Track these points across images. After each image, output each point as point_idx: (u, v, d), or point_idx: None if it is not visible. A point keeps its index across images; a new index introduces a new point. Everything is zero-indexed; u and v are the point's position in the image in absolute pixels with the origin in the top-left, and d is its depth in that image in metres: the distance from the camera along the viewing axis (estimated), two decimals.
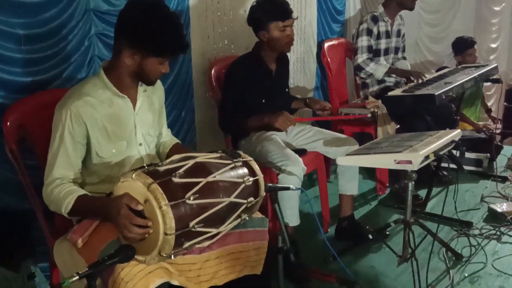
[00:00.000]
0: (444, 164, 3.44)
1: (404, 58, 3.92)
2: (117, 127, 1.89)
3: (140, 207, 1.53)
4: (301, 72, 4.01)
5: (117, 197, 1.58)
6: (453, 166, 3.50)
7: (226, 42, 3.22)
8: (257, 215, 1.94)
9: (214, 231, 1.65)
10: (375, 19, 3.62)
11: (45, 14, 2.18)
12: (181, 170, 1.60)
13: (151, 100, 2.04)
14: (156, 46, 1.79)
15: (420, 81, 3.40)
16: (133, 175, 1.54)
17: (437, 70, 4.58)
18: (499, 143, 4.49)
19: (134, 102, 1.95)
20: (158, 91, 2.11)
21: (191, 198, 1.56)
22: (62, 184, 1.76)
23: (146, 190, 1.50)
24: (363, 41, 3.59)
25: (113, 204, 1.57)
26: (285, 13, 2.71)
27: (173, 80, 2.88)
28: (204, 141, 3.17)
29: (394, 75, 3.69)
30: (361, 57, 3.59)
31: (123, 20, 1.82)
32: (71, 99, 1.80)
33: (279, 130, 2.71)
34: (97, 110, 1.83)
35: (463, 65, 4.15)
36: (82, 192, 1.75)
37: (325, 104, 2.89)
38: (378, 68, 3.58)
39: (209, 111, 3.14)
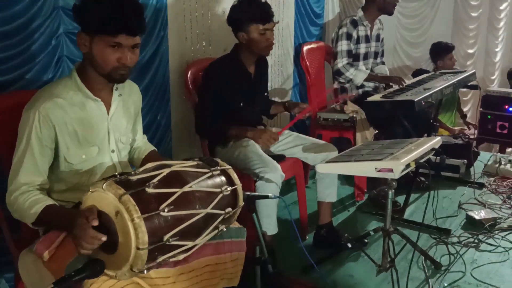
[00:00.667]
0: (422, 170, 3.42)
1: (383, 63, 3.90)
2: (88, 131, 1.79)
3: (95, 223, 1.42)
4: (279, 75, 3.96)
5: (82, 209, 1.48)
6: (431, 172, 3.57)
7: (204, 44, 3.14)
8: (235, 225, 1.87)
9: (190, 244, 1.56)
10: (354, 23, 3.58)
11: (9, 10, 2.06)
12: (155, 180, 1.51)
13: (126, 105, 1.94)
14: (94, 20, 1.65)
15: (399, 86, 3.37)
16: (104, 185, 1.44)
17: (413, 74, 4.59)
18: (475, 149, 4.50)
19: (108, 107, 1.85)
20: (135, 95, 2.01)
21: (166, 210, 1.47)
22: (28, 191, 1.66)
23: (118, 201, 1.41)
24: (343, 46, 3.55)
25: (75, 214, 1.47)
26: (266, 16, 2.64)
27: (149, 82, 2.79)
28: (180, 145, 3.08)
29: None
30: (341, 62, 3.55)
31: (75, 8, 1.72)
32: (40, 100, 1.70)
33: (263, 147, 2.66)
34: (67, 112, 1.72)
35: (441, 71, 4.16)
36: (49, 202, 1.64)
37: (303, 105, 2.83)
38: (358, 74, 3.54)
39: (186, 114, 3.05)
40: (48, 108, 1.69)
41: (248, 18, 2.62)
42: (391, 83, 3.52)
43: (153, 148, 2.14)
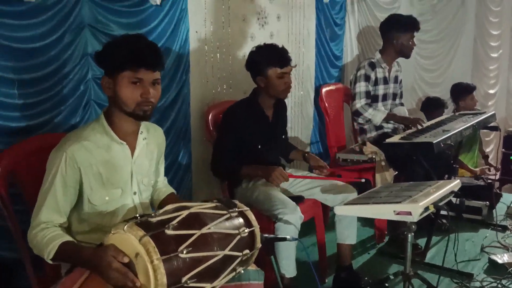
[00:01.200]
0: (443, 212, 3.38)
1: (402, 104, 3.93)
2: (112, 174, 1.84)
3: (126, 260, 1.46)
4: (299, 116, 4.01)
5: (103, 249, 1.51)
6: (452, 214, 3.52)
7: (224, 87, 3.23)
8: (253, 267, 1.87)
9: (208, 286, 1.57)
10: (372, 65, 3.63)
11: (41, 58, 2.17)
12: (174, 222, 1.54)
13: (150, 148, 2.00)
14: (115, 60, 1.75)
15: (418, 127, 3.38)
16: (125, 227, 1.48)
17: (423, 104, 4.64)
18: (498, 191, 4.45)
19: (132, 150, 1.90)
20: (159, 138, 2.07)
21: (184, 252, 1.49)
22: (47, 228, 1.70)
23: (138, 243, 1.44)
24: (361, 87, 3.60)
25: (101, 256, 1.50)
26: (284, 60, 2.71)
27: (171, 123, 2.87)
28: (200, 185, 3.12)
29: (392, 121, 3.69)
30: (360, 103, 3.59)
31: (97, 54, 1.85)
32: (68, 143, 1.77)
33: (274, 185, 2.68)
34: (93, 154, 1.79)
35: (461, 112, 4.16)
36: (66, 238, 1.68)
37: (323, 164, 2.85)
38: (377, 114, 3.57)
39: (206, 155, 3.09)
40: (75, 150, 1.75)
41: (266, 63, 2.70)
42: (409, 125, 3.53)
43: (173, 190, 2.19)
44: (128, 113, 1.82)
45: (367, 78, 3.60)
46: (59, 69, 2.26)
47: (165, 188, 2.16)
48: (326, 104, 3.91)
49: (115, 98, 1.81)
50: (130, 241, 1.46)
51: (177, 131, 2.93)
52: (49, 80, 2.21)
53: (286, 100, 3.05)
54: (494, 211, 3.75)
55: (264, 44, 2.80)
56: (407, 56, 3.70)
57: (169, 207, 1.64)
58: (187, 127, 3.01)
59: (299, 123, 4.02)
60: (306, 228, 3.60)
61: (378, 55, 3.70)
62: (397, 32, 3.62)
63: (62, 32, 2.25)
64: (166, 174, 2.82)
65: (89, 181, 1.79)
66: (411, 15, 3.73)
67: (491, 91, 7.08)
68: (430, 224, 3.31)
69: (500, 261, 3.06)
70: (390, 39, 3.66)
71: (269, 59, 2.70)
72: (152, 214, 1.56)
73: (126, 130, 1.88)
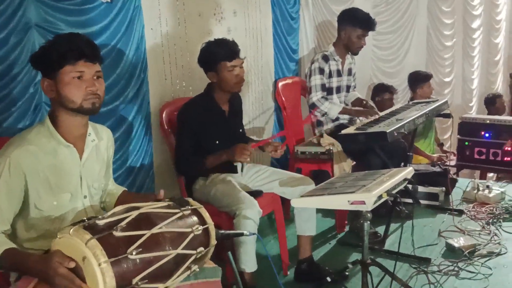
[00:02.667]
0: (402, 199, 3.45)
1: (355, 87, 3.98)
2: (60, 178, 1.79)
3: (72, 265, 1.43)
4: (260, 111, 4.01)
5: (49, 255, 1.48)
6: (409, 200, 3.60)
7: (184, 84, 3.20)
8: (210, 264, 1.86)
9: (160, 286, 1.55)
10: (326, 58, 3.67)
11: None
12: (123, 223, 1.52)
13: (99, 151, 1.96)
14: (53, 57, 1.73)
15: (373, 118, 3.43)
16: (71, 230, 1.44)
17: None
18: (454, 176, 4.57)
19: (81, 153, 1.86)
20: (108, 142, 2.03)
21: (134, 253, 1.47)
22: None
23: (84, 246, 1.41)
24: (316, 80, 3.63)
25: (47, 263, 1.46)
26: (232, 53, 2.72)
27: (131, 123, 2.83)
28: (163, 186, 3.06)
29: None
30: (316, 96, 3.62)
31: (33, 57, 1.82)
32: (12, 147, 1.71)
33: (241, 162, 2.69)
34: (39, 160, 1.73)
35: (415, 101, 4.25)
36: (9, 245, 1.62)
37: (276, 144, 2.86)
38: (333, 107, 3.61)
39: (168, 155, 3.07)
40: (19, 155, 1.69)
41: (215, 58, 2.71)
42: (364, 116, 3.57)
43: (123, 188, 2.15)
44: (76, 109, 1.77)
45: (321, 71, 3.63)
46: (6, 71, 2.20)
47: (115, 188, 2.13)
48: (283, 98, 3.92)
49: (59, 98, 1.76)
50: (76, 245, 1.43)
51: (137, 131, 2.89)
52: None
53: (247, 95, 3.05)
54: (450, 196, 3.85)
55: (215, 39, 2.79)
56: (353, 52, 3.73)
57: (118, 208, 1.61)
58: (148, 127, 2.97)
59: (260, 117, 4.02)
60: (269, 222, 3.65)
61: (331, 48, 3.73)
62: (347, 25, 3.66)
63: (7, 33, 2.19)
64: (126, 177, 2.80)
65: (36, 187, 1.73)
66: (368, 14, 3.74)
67: (447, 79, 7.26)
68: (389, 212, 3.37)
69: (456, 245, 3.14)
70: (341, 31, 3.70)
71: (218, 53, 2.71)
72: (100, 217, 1.53)
73: (73, 133, 1.83)
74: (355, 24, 3.63)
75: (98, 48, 1.82)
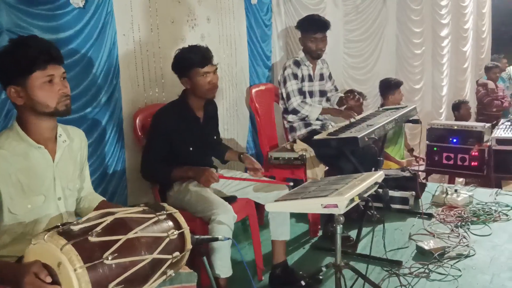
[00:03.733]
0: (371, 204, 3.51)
1: (336, 89, 4.05)
2: (33, 180, 1.78)
3: (48, 279, 1.43)
4: (235, 118, 4.03)
5: (27, 264, 1.46)
6: (379, 205, 3.67)
7: (157, 90, 3.20)
8: (185, 269, 1.87)
9: None
10: (297, 64, 3.75)
11: None
12: (98, 228, 1.52)
13: (72, 151, 1.95)
14: (22, 64, 1.72)
15: (351, 120, 3.49)
16: (45, 236, 1.44)
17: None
18: (423, 181, 4.67)
19: (53, 154, 1.85)
20: (81, 141, 2.02)
21: (110, 258, 1.47)
22: None
23: (59, 252, 1.41)
24: (293, 85, 3.69)
25: (20, 270, 1.45)
26: (204, 60, 2.73)
27: (103, 130, 2.81)
28: (136, 193, 3.07)
29: (323, 116, 3.78)
30: (296, 101, 3.68)
31: None
32: None
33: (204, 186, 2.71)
34: (10, 163, 1.72)
35: (385, 107, 4.34)
36: None
37: (258, 167, 2.89)
38: (313, 110, 3.69)
39: (140, 161, 3.05)
40: None
41: (188, 64, 2.72)
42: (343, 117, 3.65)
43: (102, 198, 2.15)
44: (50, 113, 1.79)
45: (295, 76, 3.70)
46: None
47: (92, 196, 2.11)
48: (257, 105, 3.95)
49: (30, 104, 1.76)
50: (51, 250, 1.43)
51: (110, 137, 2.87)
52: None
53: (221, 102, 3.06)
54: (420, 200, 3.93)
55: (189, 45, 2.81)
56: (313, 56, 3.79)
57: (92, 214, 1.61)
58: (120, 133, 2.95)
59: (235, 124, 4.04)
60: (243, 228, 3.66)
61: (301, 54, 3.82)
62: (301, 32, 3.81)
63: None
64: (99, 183, 2.77)
65: (8, 191, 1.72)
66: (316, 16, 3.85)
67: (417, 86, 7.42)
68: (360, 216, 3.43)
69: (426, 248, 3.21)
70: (300, 39, 3.83)
71: (190, 59, 2.73)
72: (75, 222, 1.53)
73: (43, 135, 1.83)
74: (304, 29, 3.76)
75: (59, 49, 1.83)
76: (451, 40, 8.37)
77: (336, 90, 4.07)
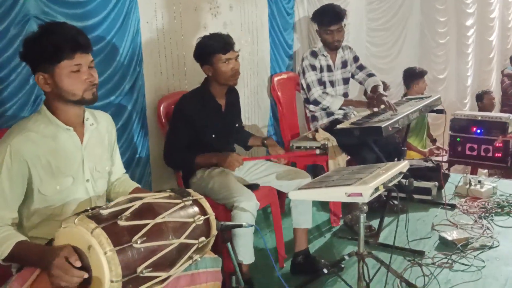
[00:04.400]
0: (395, 194, 3.49)
1: (371, 74, 3.89)
2: (62, 162, 1.81)
3: (78, 264, 1.46)
4: (255, 106, 4.03)
5: (58, 247, 1.50)
6: (402, 195, 3.64)
7: (179, 78, 3.21)
8: (210, 255, 1.89)
9: (164, 275, 1.58)
10: (314, 54, 3.71)
11: None
12: (127, 213, 1.54)
13: (100, 135, 1.98)
14: (48, 53, 1.73)
15: (374, 110, 3.46)
16: (76, 219, 1.47)
17: None
18: (446, 171, 4.62)
19: (81, 136, 1.88)
20: (108, 124, 2.05)
21: (139, 242, 1.50)
22: None
23: (90, 235, 1.43)
24: (311, 76, 3.66)
25: (51, 252, 1.49)
26: (226, 46, 2.73)
27: (127, 117, 2.84)
28: (160, 179, 3.10)
29: (344, 107, 3.76)
30: (316, 92, 3.65)
31: (22, 54, 1.80)
32: (11, 136, 1.73)
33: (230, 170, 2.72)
34: (39, 145, 1.75)
35: (408, 97, 4.29)
36: (20, 238, 1.65)
37: (280, 151, 2.89)
38: (334, 101, 3.65)
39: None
40: (20, 142, 1.71)
41: (210, 51, 2.73)
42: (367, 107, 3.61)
43: (137, 185, 2.17)
44: (77, 101, 1.80)
45: (313, 67, 3.67)
46: (5, 63, 2.19)
47: (126, 182, 2.14)
48: (279, 93, 3.95)
49: (57, 92, 1.78)
50: (81, 234, 1.45)
51: (134, 124, 2.90)
52: None
53: (242, 90, 3.06)
54: (443, 191, 3.90)
55: (210, 33, 2.82)
56: (330, 48, 3.72)
57: (121, 198, 1.64)
58: (144, 120, 2.98)
59: (256, 112, 4.05)
60: (264, 216, 3.68)
61: (319, 44, 3.77)
62: (317, 24, 3.74)
63: (6, 25, 2.19)
64: (125, 170, 2.80)
65: (38, 173, 1.75)
66: (331, 6, 3.74)
67: (441, 76, 7.32)
68: (383, 206, 3.41)
69: (449, 238, 3.19)
70: (317, 31, 3.77)
71: (212, 46, 2.73)
72: (104, 206, 1.55)
73: (71, 119, 1.85)
74: (319, 21, 3.70)
75: (88, 37, 1.82)
76: (476, 30, 8.23)
77: (371, 75, 3.89)
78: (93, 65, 1.84)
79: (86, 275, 1.45)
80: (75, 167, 1.85)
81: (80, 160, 1.87)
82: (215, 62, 2.74)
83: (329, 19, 3.64)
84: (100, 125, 1.99)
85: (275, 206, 3.04)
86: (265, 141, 3.03)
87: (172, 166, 2.88)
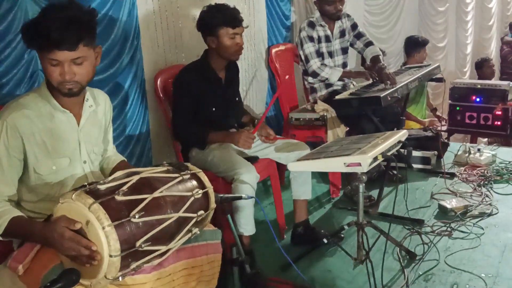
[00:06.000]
0: (394, 164, 3.49)
1: (370, 43, 3.81)
2: (57, 143, 1.80)
3: (78, 226, 1.46)
4: (254, 78, 4.00)
5: (55, 221, 1.50)
6: (401, 165, 3.64)
7: (176, 51, 3.17)
8: (209, 227, 1.89)
9: (163, 248, 1.59)
10: (312, 25, 3.65)
11: None
12: (124, 187, 1.54)
13: (97, 116, 1.96)
14: (33, 39, 1.67)
15: (373, 80, 3.43)
16: (73, 195, 1.46)
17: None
18: (445, 140, 4.62)
19: (78, 118, 1.86)
20: (106, 106, 2.02)
21: (137, 216, 1.50)
22: None
23: (87, 210, 1.43)
24: (310, 47, 3.61)
25: (52, 228, 1.49)
26: (235, 20, 2.69)
27: (126, 92, 2.82)
28: (160, 154, 3.10)
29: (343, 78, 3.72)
30: (315, 64, 3.60)
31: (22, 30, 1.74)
32: (7, 112, 1.71)
33: (244, 149, 2.72)
34: (35, 123, 1.74)
35: (407, 66, 4.26)
36: (16, 213, 1.65)
37: (270, 132, 2.83)
38: (333, 73, 3.61)
39: (164, 123, 3.07)
40: (15, 118, 1.70)
41: (217, 23, 2.66)
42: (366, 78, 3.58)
43: (123, 158, 2.16)
44: (56, 89, 1.76)
45: (311, 39, 3.61)
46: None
47: (115, 156, 2.14)
48: (277, 65, 3.91)
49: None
50: (79, 209, 1.45)
51: (133, 99, 2.88)
52: None
53: (240, 63, 3.03)
54: (442, 160, 3.90)
55: (216, 3, 2.76)
56: (330, 18, 3.66)
57: (118, 173, 1.63)
58: (143, 95, 2.96)
59: (254, 85, 4.01)
60: (264, 188, 3.69)
61: (317, 14, 3.70)
62: None
63: None
64: (126, 146, 2.80)
65: (33, 151, 1.74)
66: None
67: (440, 45, 7.24)
68: (382, 176, 3.42)
69: (449, 206, 3.20)
70: (316, 2, 3.68)
71: (221, 19, 2.66)
72: (101, 182, 1.55)
73: (69, 99, 1.82)
74: None
75: (79, 31, 1.68)
76: None
77: (369, 44, 3.80)
78: (85, 60, 1.72)
79: (95, 247, 1.45)
80: (71, 148, 1.84)
81: (76, 141, 1.85)
82: (221, 35, 2.68)
83: None
84: (98, 107, 1.96)
85: (275, 178, 3.05)
86: (255, 122, 2.99)
87: (182, 140, 2.87)
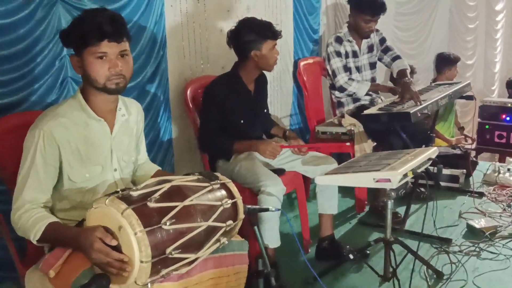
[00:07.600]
0: (421, 181, 3.44)
1: (398, 57, 3.77)
2: (91, 150, 1.83)
3: (114, 243, 1.48)
4: (278, 91, 4.01)
5: (90, 229, 1.52)
6: (430, 182, 3.59)
7: (202, 62, 3.20)
8: (237, 238, 1.89)
9: (192, 256, 1.59)
10: (339, 40, 3.64)
11: (13, 34, 2.11)
12: (156, 195, 1.55)
13: (129, 124, 1.99)
14: (77, 37, 1.73)
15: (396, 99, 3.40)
16: (106, 200, 1.48)
17: None
18: (474, 159, 4.54)
19: (111, 126, 1.89)
20: (138, 115, 2.06)
21: (168, 223, 1.51)
22: (32, 209, 1.69)
23: (120, 216, 1.45)
24: (337, 63, 3.61)
25: (86, 236, 1.51)
26: (276, 33, 2.75)
27: (150, 100, 2.84)
28: (182, 161, 3.12)
29: (371, 92, 3.70)
30: (342, 78, 3.60)
31: (61, 33, 1.81)
32: (45, 120, 1.75)
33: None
34: (70, 131, 1.77)
35: (437, 82, 4.21)
36: (52, 219, 1.68)
37: (301, 142, 2.87)
38: (361, 87, 3.60)
39: (186, 131, 3.10)
40: (52, 126, 1.73)
41: (261, 37, 2.71)
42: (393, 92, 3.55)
43: (158, 168, 2.18)
44: (100, 89, 1.79)
45: (338, 54, 3.61)
46: (32, 45, 2.20)
47: (148, 166, 2.16)
48: (305, 78, 3.91)
49: (85, 76, 1.79)
50: (112, 214, 1.47)
51: (157, 107, 2.91)
52: (22, 57, 2.16)
53: (266, 75, 3.04)
54: (471, 178, 3.83)
55: (247, 18, 2.79)
56: (361, 36, 3.65)
57: (150, 181, 1.65)
58: (167, 104, 2.99)
59: (279, 97, 4.02)
60: (289, 201, 3.68)
61: (345, 29, 3.69)
62: (354, 10, 3.62)
63: (33, 8, 2.19)
64: (148, 153, 2.82)
65: (68, 158, 1.78)
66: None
67: (469, 62, 7.16)
68: (410, 193, 3.37)
69: (477, 226, 3.14)
70: (350, 15, 3.68)
71: (263, 32, 2.71)
72: (134, 188, 1.57)
73: (103, 107, 1.86)
74: (360, 9, 3.57)
75: (123, 26, 1.78)
76: (506, 15, 8.02)
77: (396, 58, 3.76)
78: (127, 54, 1.81)
79: (126, 258, 1.46)
80: (103, 156, 1.87)
81: (109, 149, 1.88)
82: (264, 47, 2.72)
83: (373, 10, 3.54)
84: (131, 116, 1.99)
85: (301, 191, 3.03)
86: (286, 132, 3.01)
87: (207, 151, 2.89)
